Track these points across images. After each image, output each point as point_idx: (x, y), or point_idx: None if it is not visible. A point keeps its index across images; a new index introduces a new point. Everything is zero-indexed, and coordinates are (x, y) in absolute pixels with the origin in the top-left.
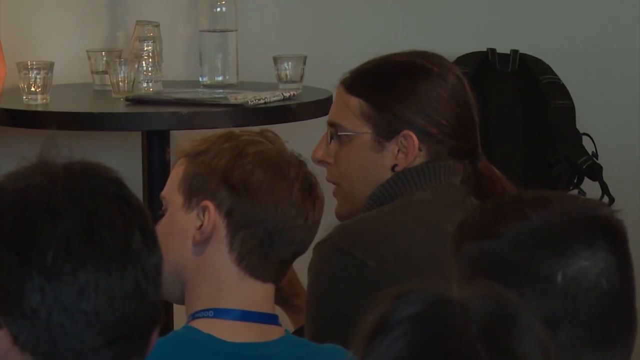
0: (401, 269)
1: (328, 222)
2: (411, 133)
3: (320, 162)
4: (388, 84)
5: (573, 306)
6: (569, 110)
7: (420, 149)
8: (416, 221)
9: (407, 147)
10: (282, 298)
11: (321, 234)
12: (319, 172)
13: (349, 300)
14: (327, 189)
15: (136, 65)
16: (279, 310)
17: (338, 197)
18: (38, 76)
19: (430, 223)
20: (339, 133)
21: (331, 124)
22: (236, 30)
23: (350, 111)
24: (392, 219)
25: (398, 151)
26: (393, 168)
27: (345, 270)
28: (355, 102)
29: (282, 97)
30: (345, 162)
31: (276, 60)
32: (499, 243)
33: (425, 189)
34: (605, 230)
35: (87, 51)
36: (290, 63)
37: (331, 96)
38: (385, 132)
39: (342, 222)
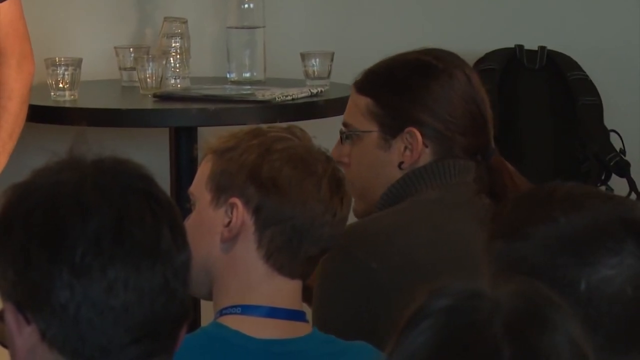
0: (406, 270)
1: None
2: (415, 130)
3: (337, 162)
4: (392, 82)
5: (596, 314)
6: (597, 107)
7: (426, 146)
8: (422, 222)
9: (412, 144)
10: (310, 295)
11: None
12: None
13: (353, 301)
14: None
15: (164, 62)
16: (306, 307)
17: (354, 196)
18: (66, 72)
19: (437, 223)
20: (349, 132)
21: (344, 124)
22: (264, 27)
23: (359, 110)
24: (397, 220)
25: (405, 148)
26: (400, 166)
27: (349, 272)
28: (363, 101)
29: (310, 93)
30: (357, 162)
31: (303, 56)
32: (527, 246)
33: (435, 188)
34: (636, 235)
35: (115, 47)
36: (317, 59)
37: None
38: (391, 130)
39: (350, 223)
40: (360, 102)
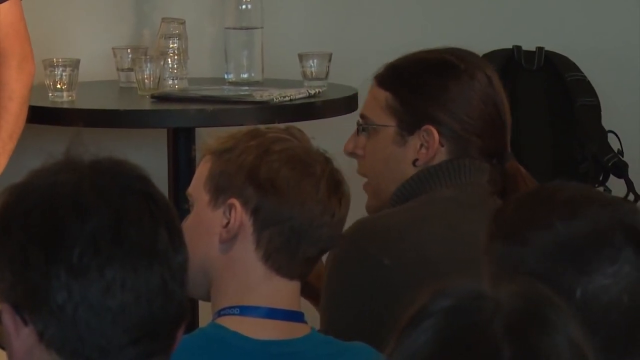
0: (418, 267)
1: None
2: (432, 128)
3: (351, 153)
4: (414, 79)
5: (593, 321)
6: (595, 108)
7: (442, 145)
8: (435, 219)
9: (429, 142)
10: (310, 292)
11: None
12: (345, 168)
13: (364, 297)
14: (353, 184)
15: (162, 63)
16: (306, 305)
17: (368, 191)
18: (64, 73)
19: (450, 222)
20: (366, 125)
21: (361, 116)
22: (262, 28)
23: (378, 104)
24: (411, 216)
25: (421, 146)
26: (414, 163)
27: (360, 267)
28: (382, 95)
29: (308, 94)
30: (371, 155)
31: (301, 57)
32: (526, 251)
33: (449, 187)
34: (634, 241)
35: (113, 48)
36: (315, 60)
37: (356, 93)
38: (408, 126)
39: (360, 219)
40: (379, 96)
